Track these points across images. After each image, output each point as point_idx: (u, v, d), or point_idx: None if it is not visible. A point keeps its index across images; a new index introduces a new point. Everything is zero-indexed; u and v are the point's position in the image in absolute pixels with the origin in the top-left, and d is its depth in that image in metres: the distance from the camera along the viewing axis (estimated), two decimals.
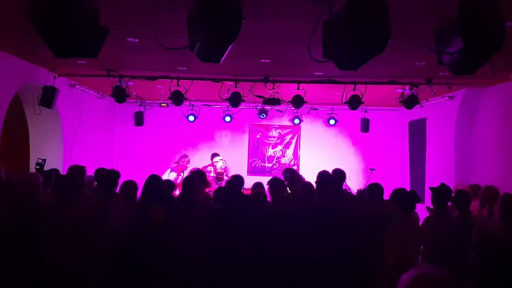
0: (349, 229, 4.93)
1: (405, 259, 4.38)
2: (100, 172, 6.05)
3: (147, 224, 4.74)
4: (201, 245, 4.86)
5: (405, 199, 4.71)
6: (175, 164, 10.35)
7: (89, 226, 4.63)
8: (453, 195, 5.34)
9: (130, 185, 5.21)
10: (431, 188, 5.22)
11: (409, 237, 4.52)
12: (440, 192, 5.08)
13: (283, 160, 13.18)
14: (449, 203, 5.24)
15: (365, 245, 4.77)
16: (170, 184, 6.12)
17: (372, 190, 5.44)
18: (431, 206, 5.25)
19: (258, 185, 6.27)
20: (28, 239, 4.63)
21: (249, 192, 6.33)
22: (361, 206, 5.37)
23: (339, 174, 5.92)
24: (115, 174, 5.36)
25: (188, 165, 10.15)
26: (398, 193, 4.79)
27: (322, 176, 5.50)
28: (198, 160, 12.08)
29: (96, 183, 6.35)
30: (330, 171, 5.77)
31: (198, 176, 6.10)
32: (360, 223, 4.98)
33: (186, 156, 10.53)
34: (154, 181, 5.13)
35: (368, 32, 2.94)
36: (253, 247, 4.85)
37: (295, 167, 13.11)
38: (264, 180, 6.24)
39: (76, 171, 5.16)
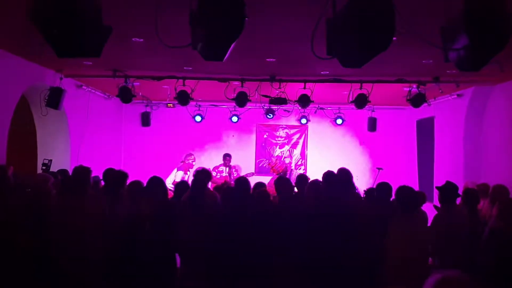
0: (352, 228, 4.92)
1: (411, 258, 4.35)
2: (109, 172, 6.07)
3: (149, 223, 4.75)
4: (206, 244, 4.88)
5: (407, 198, 4.67)
6: (182, 163, 10.39)
7: (95, 225, 4.65)
8: (461, 194, 5.31)
9: (136, 186, 5.24)
10: (437, 187, 5.19)
11: (414, 236, 4.47)
12: (446, 190, 5.04)
13: (285, 160, 13.08)
14: (457, 201, 5.21)
15: (368, 243, 4.75)
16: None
17: (381, 190, 5.42)
18: (439, 205, 5.21)
19: (260, 185, 6.26)
20: (36, 238, 4.66)
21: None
22: (365, 205, 5.34)
23: (345, 174, 5.86)
24: (123, 175, 5.39)
25: (194, 163, 10.22)
26: (400, 191, 4.76)
27: (328, 176, 5.47)
28: (206, 160, 12.10)
29: (103, 183, 6.37)
30: (336, 171, 5.74)
31: (204, 175, 6.10)
32: (363, 222, 4.96)
33: (191, 154, 10.60)
34: (157, 182, 5.15)
35: (372, 28, 2.90)
36: (258, 245, 4.85)
37: (302, 167, 13.11)
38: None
39: (81, 171, 5.20)
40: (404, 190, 4.73)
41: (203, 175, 5.53)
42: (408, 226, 4.52)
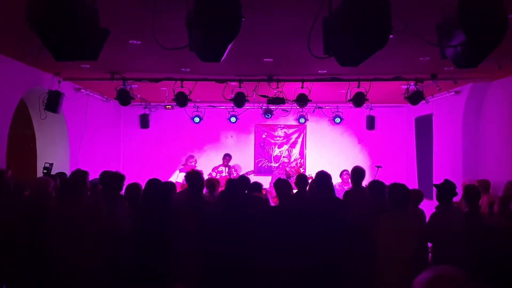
0: (346, 224, 4.95)
1: (403, 254, 4.36)
2: (105, 175, 6.06)
3: (146, 227, 4.76)
4: (206, 243, 4.88)
5: (398, 194, 4.68)
6: (183, 166, 10.42)
7: (93, 227, 4.65)
8: (462, 191, 5.32)
9: (134, 188, 5.24)
10: (435, 185, 5.20)
11: (406, 232, 4.48)
12: (444, 188, 5.05)
13: (283, 159, 13.06)
14: (454, 199, 5.22)
15: (361, 240, 4.77)
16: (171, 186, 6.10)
17: (373, 187, 5.44)
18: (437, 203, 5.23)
19: (257, 185, 6.25)
20: (34, 240, 4.68)
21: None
22: (359, 202, 5.36)
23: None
24: (119, 177, 5.38)
25: (196, 165, 10.28)
26: (392, 188, 4.77)
27: (321, 175, 5.51)
28: (205, 161, 12.14)
29: (101, 186, 6.37)
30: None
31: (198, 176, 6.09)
32: (357, 219, 4.98)
33: (192, 156, 10.67)
34: (154, 184, 5.14)
35: (368, 26, 2.91)
36: (257, 247, 4.86)
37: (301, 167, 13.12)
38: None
39: (78, 175, 5.20)
40: (395, 187, 4.75)
41: (197, 176, 5.50)
42: (399, 222, 4.53)
